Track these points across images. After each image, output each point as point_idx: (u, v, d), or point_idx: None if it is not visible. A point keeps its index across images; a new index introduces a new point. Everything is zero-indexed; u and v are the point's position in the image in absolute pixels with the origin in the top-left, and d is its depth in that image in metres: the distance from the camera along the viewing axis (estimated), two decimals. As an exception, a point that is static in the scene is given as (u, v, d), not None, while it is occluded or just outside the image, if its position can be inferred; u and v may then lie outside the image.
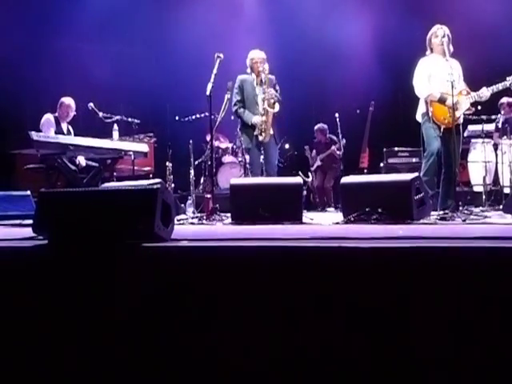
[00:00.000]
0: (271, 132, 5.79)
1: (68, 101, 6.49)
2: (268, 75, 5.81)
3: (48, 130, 6.13)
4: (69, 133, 6.45)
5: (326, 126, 8.86)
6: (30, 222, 2.88)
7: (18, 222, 4.53)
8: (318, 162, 8.93)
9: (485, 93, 5.03)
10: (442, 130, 5.03)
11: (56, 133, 6.08)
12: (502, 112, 7.36)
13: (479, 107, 5.68)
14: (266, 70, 5.77)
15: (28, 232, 2.77)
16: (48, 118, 6.35)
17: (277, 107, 5.71)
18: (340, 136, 8.29)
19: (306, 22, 9.14)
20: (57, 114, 6.45)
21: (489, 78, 5.24)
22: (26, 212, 4.75)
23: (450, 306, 2.00)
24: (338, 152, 8.53)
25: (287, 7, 9.30)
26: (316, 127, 8.95)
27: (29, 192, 5.25)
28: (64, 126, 6.46)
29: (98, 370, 2.28)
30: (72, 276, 2.38)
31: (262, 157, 5.84)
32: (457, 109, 4.78)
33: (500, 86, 5.01)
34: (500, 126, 7.15)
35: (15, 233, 3.39)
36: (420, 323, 2.02)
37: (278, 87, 5.86)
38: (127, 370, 2.26)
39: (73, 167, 5.90)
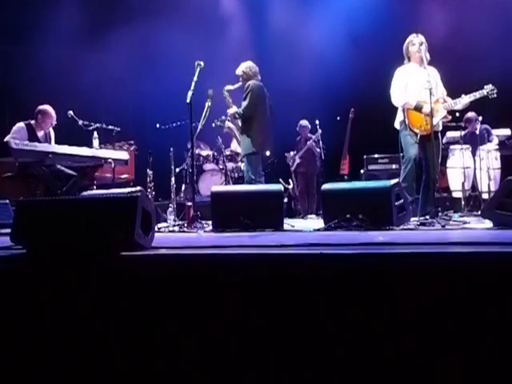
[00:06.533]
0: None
1: (50, 110, 6.28)
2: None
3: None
4: (48, 140, 6.31)
5: (308, 123, 8.85)
6: (8, 230, 2.83)
7: (-5, 231, 4.47)
8: (298, 160, 8.86)
9: (462, 101, 5.09)
10: (418, 137, 5.08)
11: (30, 141, 5.91)
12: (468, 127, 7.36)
13: (457, 114, 5.75)
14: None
15: (6, 241, 2.73)
16: (19, 126, 6.11)
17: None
18: (320, 143, 8.32)
19: (287, 30, 9.19)
20: (33, 122, 6.24)
21: (467, 86, 5.29)
22: (4, 221, 4.68)
23: (430, 308, 2.01)
24: (317, 150, 8.49)
25: (269, 16, 9.35)
26: (300, 123, 8.90)
27: (7, 201, 5.17)
28: (41, 133, 6.27)
29: (76, 381, 2.25)
30: (50, 285, 2.34)
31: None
32: (433, 116, 4.82)
33: (477, 95, 5.04)
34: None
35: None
36: (402, 326, 2.03)
37: (244, 95, 5.87)
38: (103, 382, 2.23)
39: (52, 175, 5.81)
